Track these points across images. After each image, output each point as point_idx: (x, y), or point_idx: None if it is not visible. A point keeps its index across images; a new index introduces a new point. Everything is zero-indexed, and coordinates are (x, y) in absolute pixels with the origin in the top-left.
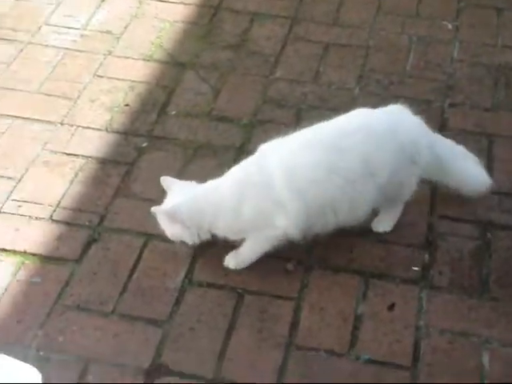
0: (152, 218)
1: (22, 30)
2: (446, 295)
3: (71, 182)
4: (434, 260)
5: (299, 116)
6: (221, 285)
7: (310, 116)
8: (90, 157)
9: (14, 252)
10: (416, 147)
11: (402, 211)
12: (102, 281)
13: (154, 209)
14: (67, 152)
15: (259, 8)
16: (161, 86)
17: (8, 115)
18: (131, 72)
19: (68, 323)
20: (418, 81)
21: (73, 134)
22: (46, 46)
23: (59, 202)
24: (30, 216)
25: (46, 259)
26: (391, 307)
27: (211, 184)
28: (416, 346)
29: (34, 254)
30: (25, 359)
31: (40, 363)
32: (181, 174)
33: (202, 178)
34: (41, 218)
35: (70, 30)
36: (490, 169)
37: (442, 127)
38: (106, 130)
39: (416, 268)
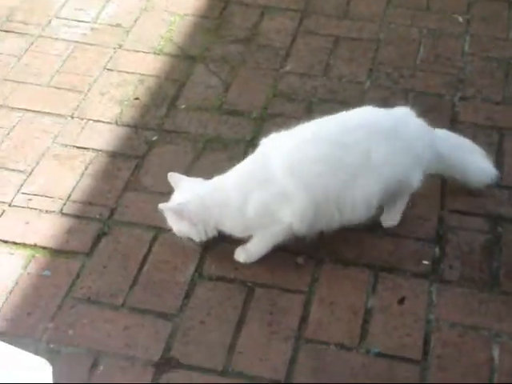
0: (161, 212)
1: (32, 24)
2: (457, 289)
3: (81, 176)
4: (444, 254)
5: (309, 109)
6: (231, 278)
7: (320, 109)
8: (100, 150)
9: (25, 245)
10: (418, 146)
11: (412, 205)
12: (112, 274)
13: (161, 205)
14: (77, 145)
15: (269, 1)
16: (171, 80)
17: (19, 108)
18: (141, 65)
19: (78, 316)
20: (429, 74)
21: (83, 128)
22: (57, 39)
23: (69, 196)
24: (40, 209)
25: (57, 252)
26: (401, 301)
27: (217, 181)
28: (426, 340)
29: (44, 248)
30: (35, 352)
31: (50, 356)
32: (191, 168)
33: (212, 171)
34: (51, 212)
35: (80, 24)
36: (500, 163)
37: (452, 121)
38: (116, 123)
39: (426, 262)
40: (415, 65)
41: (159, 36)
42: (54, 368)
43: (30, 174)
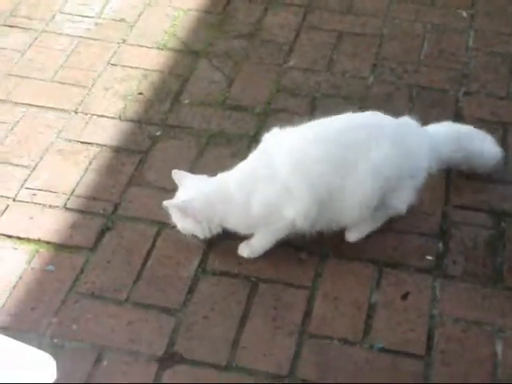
0: (166, 209)
1: (36, 19)
2: (460, 284)
3: (85, 171)
4: (448, 249)
5: (313, 105)
6: (234, 273)
7: (323, 104)
8: (104, 145)
9: (29, 240)
10: (418, 159)
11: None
12: (116, 269)
13: (165, 203)
14: (81, 140)
15: None
16: (174, 75)
17: (22, 103)
18: (145, 60)
19: (82, 311)
20: (433, 69)
21: (87, 123)
22: (60, 34)
23: (73, 191)
24: (44, 204)
25: (60, 247)
26: (405, 296)
27: (221, 178)
28: (430, 335)
29: (48, 242)
30: (39, 347)
31: (54, 351)
32: (194, 163)
33: (215, 166)
34: (55, 207)
35: (84, 19)
36: (504, 159)
37: (456, 116)
38: (120, 118)
39: (430, 257)
40: (419, 60)
41: (163, 31)
42: (57, 363)
43: (34, 169)
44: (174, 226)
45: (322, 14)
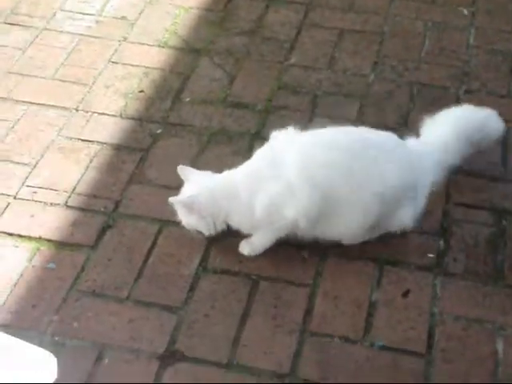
0: (167, 205)
1: (37, 16)
2: (461, 282)
3: (86, 168)
4: (449, 247)
5: (314, 102)
6: (235, 271)
7: (325, 102)
8: (104, 143)
9: (30, 238)
10: (424, 180)
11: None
12: (117, 267)
13: (171, 199)
14: (82, 138)
15: None
16: (175, 73)
17: (23, 101)
18: (146, 58)
19: (83, 309)
20: (434, 67)
21: (88, 120)
22: (61, 32)
23: (74, 188)
24: (45, 202)
25: (61, 245)
26: (406, 294)
27: (228, 175)
28: (430, 333)
29: (49, 240)
30: (40, 344)
31: (55, 348)
32: (196, 161)
33: (217, 164)
34: (56, 204)
35: (85, 16)
36: (505, 156)
37: None
38: (121, 116)
39: (431, 255)
40: (420, 57)
41: (164, 29)
42: (58, 361)
43: (35, 166)
44: (175, 222)
45: (324, 12)
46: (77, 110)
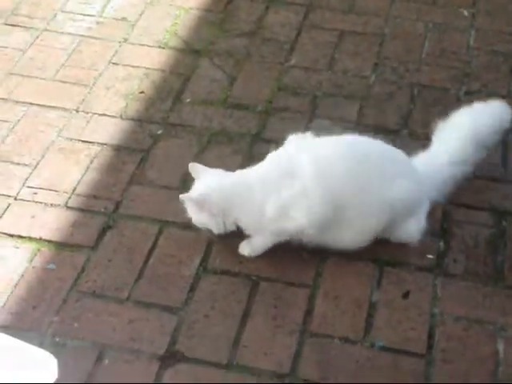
0: (168, 205)
1: (37, 17)
2: (461, 283)
3: (86, 169)
4: (449, 248)
5: (314, 103)
6: (235, 272)
7: (325, 103)
8: (105, 144)
9: (30, 239)
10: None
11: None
12: (118, 268)
13: (182, 196)
14: (82, 139)
15: None
16: (176, 74)
17: (24, 102)
18: (146, 59)
19: (83, 310)
20: (434, 68)
21: (88, 121)
22: (62, 33)
23: (74, 189)
24: (45, 203)
25: (62, 246)
26: (406, 295)
27: (241, 175)
28: (430, 334)
29: (49, 241)
30: (41, 345)
31: (55, 349)
32: (196, 162)
33: (217, 165)
34: (56, 205)
35: (86, 17)
36: (505, 157)
37: None
38: (121, 117)
39: (431, 256)
40: (420, 59)
41: (164, 30)
42: (59, 361)
43: (35, 167)
44: (176, 223)
45: (324, 13)
46: (77, 111)
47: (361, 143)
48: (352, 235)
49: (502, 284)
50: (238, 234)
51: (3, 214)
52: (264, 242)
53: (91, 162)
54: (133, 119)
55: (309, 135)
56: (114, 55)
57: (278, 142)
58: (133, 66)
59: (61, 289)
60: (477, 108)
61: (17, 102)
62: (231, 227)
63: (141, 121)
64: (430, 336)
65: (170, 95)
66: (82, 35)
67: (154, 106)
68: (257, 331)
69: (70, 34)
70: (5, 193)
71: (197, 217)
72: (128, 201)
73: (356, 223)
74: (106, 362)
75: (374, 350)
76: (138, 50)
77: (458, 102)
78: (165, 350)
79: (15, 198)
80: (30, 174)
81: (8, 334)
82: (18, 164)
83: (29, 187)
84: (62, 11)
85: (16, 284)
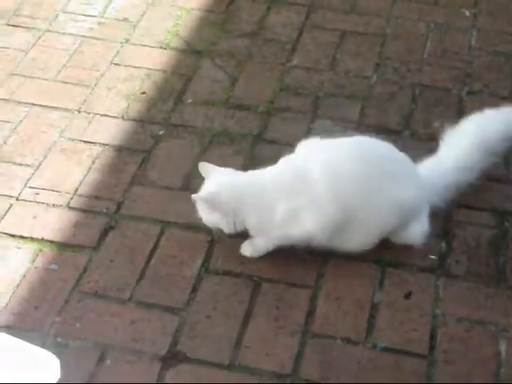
0: (169, 206)
1: (39, 18)
2: (463, 284)
3: (88, 170)
4: (451, 249)
5: (316, 104)
6: (237, 273)
7: (327, 104)
8: (106, 144)
9: (32, 239)
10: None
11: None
12: (119, 268)
13: (193, 196)
14: (84, 139)
15: None
16: (177, 74)
17: (26, 103)
18: (148, 60)
19: (85, 310)
20: (436, 69)
21: (90, 122)
22: (64, 33)
23: (76, 190)
24: (47, 203)
25: (64, 246)
26: (408, 296)
27: (253, 176)
28: (432, 335)
29: (51, 241)
30: (42, 346)
31: (58, 349)
32: (198, 162)
33: (219, 165)
34: (58, 206)
35: (87, 18)
36: (508, 158)
37: (459, 115)
38: (123, 117)
39: (433, 256)
40: (422, 59)
41: (166, 30)
42: (61, 362)
43: (37, 168)
44: (177, 224)
45: (325, 13)
46: (79, 112)
47: (370, 145)
48: (361, 238)
49: (503, 285)
50: (240, 235)
51: (5, 214)
52: (267, 244)
53: (93, 162)
54: (134, 120)
55: (319, 140)
56: (115, 56)
57: (279, 143)
58: (134, 67)
59: (63, 289)
60: (487, 114)
61: (19, 102)
62: (242, 227)
63: (142, 121)
64: (432, 337)
65: (171, 96)
66: (83, 36)
67: (156, 106)
68: (259, 332)
69: (71, 34)
70: (7, 193)
71: (208, 216)
72: (130, 201)
73: (366, 226)
74: (108, 362)
75: (375, 351)
76: (140, 51)
77: (459, 103)
78: (167, 351)
79: (17, 199)
80: (32, 174)
81: (10, 334)
82: (20, 164)
83: (31, 188)
84: (64, 12)
85: (18, 284)
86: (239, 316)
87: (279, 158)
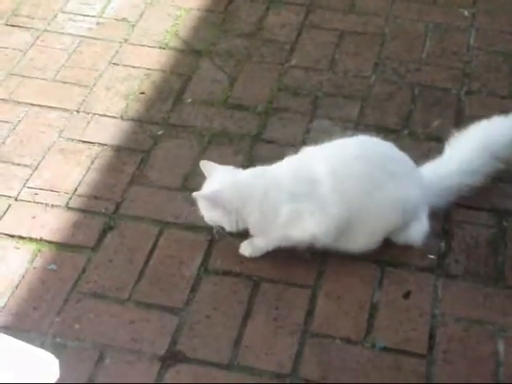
0: (168, 206)
1: (38, 18)
2: (462, 283)
3: (87, 170)
4: (450, 248)
5: (315, 104)
6: (236, 272)
7: (325, 104)
8: (105, 144)
9: (31, 239)
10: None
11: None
12: (118, 268)
13: (195, 194)
14: (83, 140)
15: None
16: (176, 74)
17: (24, 103)
18: (146, 60)
19: (84, 310)
20: (435, 68)
21: (89, 122)
22: (62, 33)
23: (75, 190)
24: (46, 204)
25: (63, 247)
26: (407, 295)
27: (256, 174)
28: (431, 334)
29: (50, 242)
30: (41, 346)
31: (57, 350)
32: (197, 162)
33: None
34: (57, 206)
35: (86, 18)
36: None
37: (458, 115)
38: (122, 117)
39: (432, 256)
40: (421, 59)
41: (165, 30)
42: (60, 362)
43: (36, 168)
44: (176, 224)
45: (324, 13)
46: (78, 112)
47: (372, 144)
48: (364, 238)
49: (502, 284)
50: (239, 235)
51: (4, 214)
52: (266, 244)
53: (92, 162)
54: (133, 120)
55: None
56: (114, 56)
57: (278, 143)
58: (133, 67)
59: (62, 289)
60: (495, 121)
61: (17, 102)
62: (243, 225)
63: (141, 121)
64: (431, 336)
65: (170, 96)
66: (82, 36)
67: (155, 106)
68: (258, 331)
69: (70, 34)
70: (5, 193)
71: (209, 214)
72: (128, 201)
73: (369, 226)
74: (107, 362)
75: (375, 351)
76: (139, 51)
77: (458, 102)
78: (166, 351)
79: (16, 199)
80: (31, 174)
81: (9, 334)
82: (19, 165)
83: (29, 188)
84: (63, 12)
85: (17, 285)
86: (238, 316)
87: (278, 158)
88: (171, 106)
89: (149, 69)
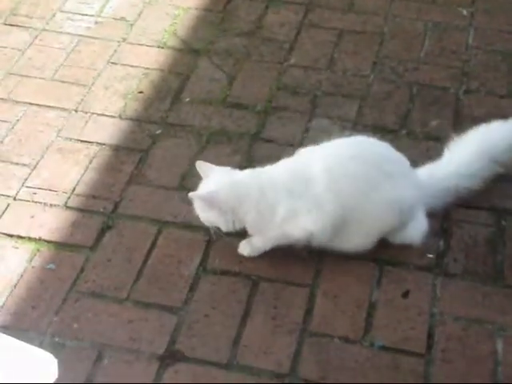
0: (167, 205)
1: (36, 17)
2: (460, 282)
3: (85, 169)
4: (449, 247)
5: (314, 103)
6: (235, 272)
7: (324, 103)
8: (104, 144)
9: (29, 239)
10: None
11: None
12: (117, 268)
13: (191, 194)
14: (81, 139)
15: None
16: (175, 73)
17: (23, 102)
18: (145, 59)
19: (83, 310)
20: (433, 67)
21: (87, 121)
22: (61, 32)
23: (74, 189)
24: (44, 203)
25: (61, 246)
26: (405, 294)
27: (252, 174)
28: (430, 333)
29: (48, 241)
30: (40, 345)
31: (55, 349)
32: (195, 161)
33: (216, 164)
34: (55, 205)
35: (84, 17)
36: None
37: (456, 114)
38: (120, 117)
39: (430, 255)
40: (420, 58)
41: (163, 29)
42: (58, 361)
43: (35, 167)
44: (175, 223)
45: (323, 12)
46: (76, 111)
47: (369, 145)
48: (360, 238)
49: (501, 283)
50: (238, 234)
51: (2, 214)
52: (265, 244)
53: (90, 161)
54: (132, 119)
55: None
56: (112, 55)
57: (277, 142)
58: (132, 66)
59: (60, 289)
60: (495, 125)
61: (16, 101)
62: (240, 225)
63: (140, 121)
64: (430, 336)
65: (168, 95)
66: (80, 35)
67: (153, 105)
68: (257, 331)
69: (68, 33)
70: (4, 193)
71: (205, 215)
72: (127, 201)
73: (365, 226)
74: (106, 362)
75: (373, 350)
76: (137, 50)
77: (456, 101)
78: (164, 350)
79: (14, 198)
80: (29, 174)
81: (7, 334)
82: (17, 164)
83: (28, 187)
84: (61, 11)
85: (15, 284)
86: (237, 315)
87: (277, 157)
88: (169, 105)
89: (147, 68)
